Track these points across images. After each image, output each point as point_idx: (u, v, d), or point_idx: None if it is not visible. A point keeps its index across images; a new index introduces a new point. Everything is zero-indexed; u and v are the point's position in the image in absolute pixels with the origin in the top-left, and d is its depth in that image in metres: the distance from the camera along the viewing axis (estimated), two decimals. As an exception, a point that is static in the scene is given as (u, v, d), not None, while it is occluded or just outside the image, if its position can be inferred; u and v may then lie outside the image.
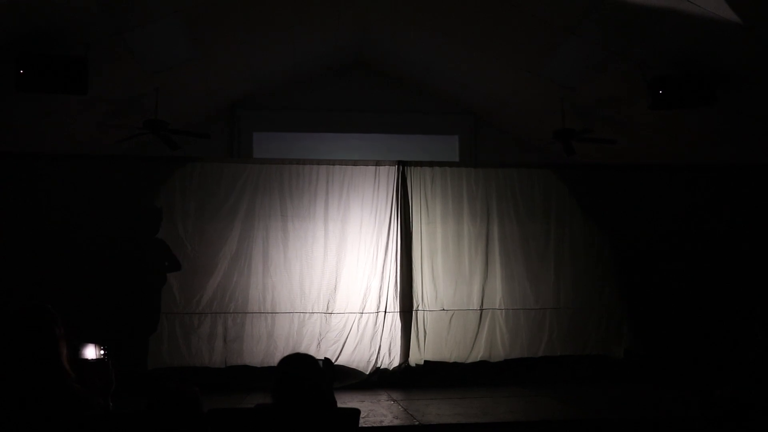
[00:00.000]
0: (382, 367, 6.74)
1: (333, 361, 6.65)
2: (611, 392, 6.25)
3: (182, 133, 8.50)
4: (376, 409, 5.54)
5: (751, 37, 6.30)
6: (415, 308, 6.83)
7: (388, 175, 7.03)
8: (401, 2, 8.21)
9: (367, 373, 6.70)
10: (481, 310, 6.95)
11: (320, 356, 6.57)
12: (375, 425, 4.87)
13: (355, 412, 3.01)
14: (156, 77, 7.99)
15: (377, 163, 7.10)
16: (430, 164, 7.25)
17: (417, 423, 4.99)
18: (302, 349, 6.62)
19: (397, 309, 6.83)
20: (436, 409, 5.50)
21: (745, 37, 6.32)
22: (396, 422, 5.03)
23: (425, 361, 6.81)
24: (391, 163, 7.10)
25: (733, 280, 6.91)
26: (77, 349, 2.70)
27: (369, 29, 9.33)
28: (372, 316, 6.79)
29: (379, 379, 6.67)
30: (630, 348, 7.02)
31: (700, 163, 7.69)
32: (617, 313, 7.12)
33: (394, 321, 6.83)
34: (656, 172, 7.46)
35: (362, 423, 4.52)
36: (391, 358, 6.79)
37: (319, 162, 7.13)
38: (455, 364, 6.85)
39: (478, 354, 6.88)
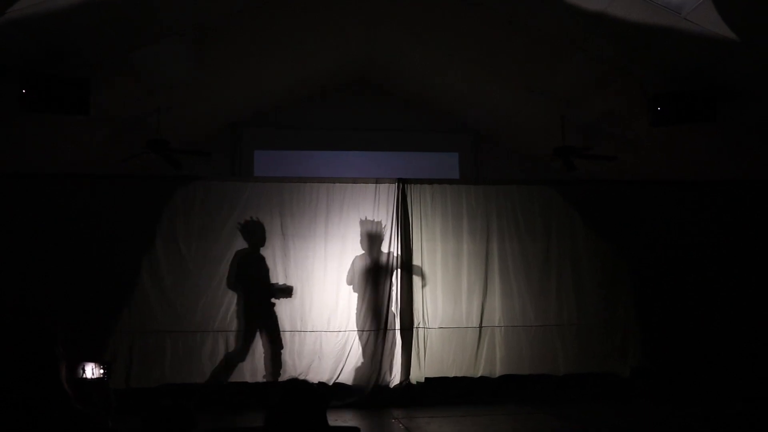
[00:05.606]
0: (382, 385, 6.71)
1: (334, 378, 6.66)
2: (615, 410, 6.21)
3: (184, 152, 8.55)
4: (376, 427, 5.53)
5: (748, 54, 6.36)
6: (415, 325, 6.81)
7: (388, 193, 7.03)
8: (403, 21, 8.28)
9: (368, 390, 6.68)
10: (481, 327, 6.92)
11: (321, 374, 6.61)
12: (376, 444, 4.88)
13: (356, 431, 3.01)
14: (159, 96, 8.05)
15: (377, 181, 7.11)
16: (430, 182, 7.28)
17: (418, 441, 4.99)
18: (303, 367, 6.63)
19: (398, 326, 6.83)
20: (437, 427, 5.49)
21: (742, 54, 6.38)
22: (397, 440, 5.03)
23: (426, 379, 6.78)
24: (391, 181, 7.11)
25: (738, 285, 6.93)
26: (76, 369, 2.71)
27: (370, 48, 9.41)
28: (372, 334, 6.78)
29: (379, 397, 6.63)
30: (636, 364, 6.98)
31: (703, 180, 7.66)
32: (622, 328, 7.07)
33: (395, 338, 6.82)
34: (657, 187, 7.47)
35: (363, 441, 4.51)
36: (391, 376, 6.77)
37: (320, 180, 7.16)
38: (456, 381, 6.83)
39: (479, 371, 6.86)
